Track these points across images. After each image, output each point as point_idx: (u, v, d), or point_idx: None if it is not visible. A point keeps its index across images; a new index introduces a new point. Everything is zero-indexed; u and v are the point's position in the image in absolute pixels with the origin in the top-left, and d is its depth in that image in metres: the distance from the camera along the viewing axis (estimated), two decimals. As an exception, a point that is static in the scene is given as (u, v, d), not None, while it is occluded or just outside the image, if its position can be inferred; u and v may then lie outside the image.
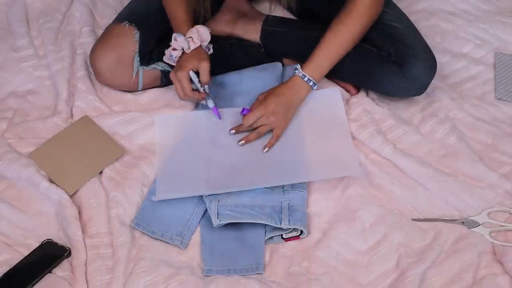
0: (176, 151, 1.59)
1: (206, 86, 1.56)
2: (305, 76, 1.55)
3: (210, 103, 1.59)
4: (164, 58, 1.59)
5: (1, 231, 1.46)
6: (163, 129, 1.63)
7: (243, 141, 1.57)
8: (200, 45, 1.55)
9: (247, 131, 1.58)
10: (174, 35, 1.54)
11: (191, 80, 1.55)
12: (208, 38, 1.56)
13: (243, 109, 1.58)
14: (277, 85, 1.60)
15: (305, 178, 1.51)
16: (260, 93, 1.60)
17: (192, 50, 1.54)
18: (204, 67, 1.52)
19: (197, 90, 1.56)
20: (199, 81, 1.55)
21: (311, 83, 1.56)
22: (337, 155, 1.55)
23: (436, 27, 1.89)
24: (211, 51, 1.60)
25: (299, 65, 1.57)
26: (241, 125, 1.58)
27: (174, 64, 1.58)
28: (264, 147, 1.56)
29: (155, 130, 1.63)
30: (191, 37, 1.53)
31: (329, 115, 1.64)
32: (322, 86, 1.71)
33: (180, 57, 1.56)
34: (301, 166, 1.53)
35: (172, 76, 1.54)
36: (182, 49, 1.55)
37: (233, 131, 1.58)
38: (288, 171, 1.52)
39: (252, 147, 1.57)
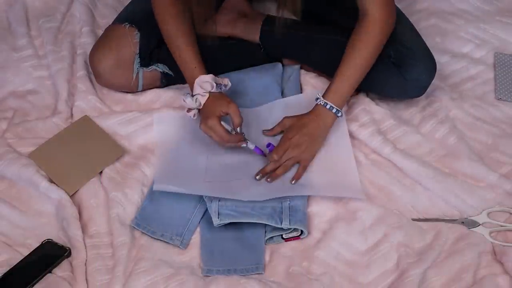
0: (176, 149, 1.59)
1: (239, 128, 1.51)
2: (327, 104, 1.52)
3: (251, 145, 1.53)
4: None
5: (1, 231, 1.46)
6: (162, 127, 1.63)
7: (272, 177, 1.51)
8: (214, 92, 1.51)
9: (272, 170, 1.52)
10: (181, 97, 1.52)
11: None
12: (213, 85, 1.50)
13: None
14: (301, 115, 1.55)
15: (306, 192, 1.50)
16: (284, 115, 1.58)
17: (208, 99, 1.50)
18: (233, 109, 1.49)
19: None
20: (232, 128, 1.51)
21: (334, 110, 1.52)
22: (340, 172, 1.54)
23: (436, 27, 1.89)
24: (229, 85, 1.55)
25: (320, 94, 1.54)
26: (265, 167, 1.52)
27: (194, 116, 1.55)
28: (292, 179, 1.51)
29: (154, 127, 1.63)
30: (198, 94, 1.51)
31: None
32: (323, 87, 1.70)
33: (199, 111, 1.53)
34: (304, 182, 1.52)
35: (203, 128, 1.49)
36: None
37: (259, 176, 1.51)
38: (291, 185, 1.50)
39: (251, 151, 1.56)
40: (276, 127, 1.58)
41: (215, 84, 1.51)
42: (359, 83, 1.56)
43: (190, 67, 1.54)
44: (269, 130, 1.60)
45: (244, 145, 1.53)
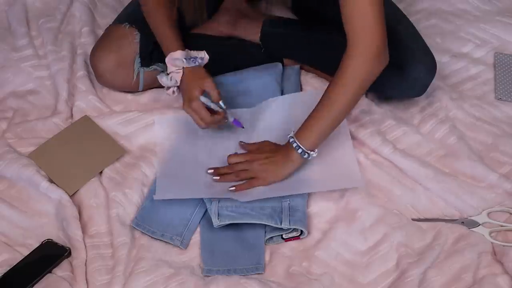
0: (177, 153, 1.59)
1: (221, 103, 1.51)
2: (298, 148, 1.44)
3: (230, 118, 1.53)
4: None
5: (1, 231, 1.46)
6: (163, 130, 1.63)
7: (218, 178, 1.49)
8: (188, 66, 1.51)
9: (226, 173, 1.50)
10: (157, 77, 1.56)
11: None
12: (183, 61, 1.50)
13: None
14: (280, 146, 1.51)
15: (307, 190, 1.50)
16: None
17: (185, 76, 1.51)
18: (209, 85, 1.50)
19: (211, 110, 1.51)
20: (212, 101, 1.51)
21: (300, 151, 1.44)
22: (339, 166, 1.54)
23: (436, 27, 1.89)
24: (206, 57, 1.54)
25: (293, 133, 1.46)
26: (220, 167, 1.51)
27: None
28: (231, 187, 1.47)
29: (155, 131, 1.63)
30: (172, 71, 1.52)
31: None
32: (323, 87, 1.69)
33: (178, 87, 1.55)
34: (304, 177, 1.52)
35: (186, 110, 1.50)
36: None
37: (211, 171, 1.51)
38: (291, 182, 1.51)
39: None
40: (245, 153, 1.54)
41: (184, 60, 1.51)
42: (340, 123, 1.47)
43: (166, 44, 1.55)
44: (247, 143, 1.56)
45: (227, 121, 1.54)
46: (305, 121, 1.45)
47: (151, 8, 1.57)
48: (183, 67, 1.52)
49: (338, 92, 1.42)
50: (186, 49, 1.54)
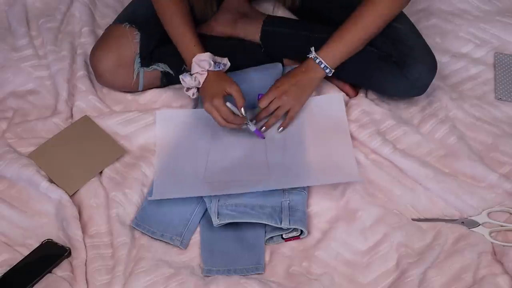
0: (176, 148, 1.59)
1: (242, 110, 1.53)
2: (317, 58, 1.56)
3: (252, 127, 1.57)
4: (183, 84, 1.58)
5: (1, 231, 1.46)
6: (164, 124, 1.63)
7: (265, 128, 1.59)
8: (212, 70, 1.54)
9: (264, 117, 1.60)
10: (180, 77, 1.55)
11: None
12: (211, 63, 1.53)
13: (259, 95, 1.59)
14: (291, 69, 1.62)
15: (305, 183, 1.51)
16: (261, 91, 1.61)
17: (208, 78, 1.53)
18: (236, 89, 1.52)
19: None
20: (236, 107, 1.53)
21: (322, 66, 1.57)
22: (337, 160, 1.55)
23: (436, 27, 1.89)
24: (228, 65, 1.58)
25: (314, 52, 1.57)
26: (258, 113, 1.60)
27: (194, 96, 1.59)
28: (279, 128, 1.59)
29: (156, 124, 1.64)
30: (196, 72, 1.53)
31: (331, 120, 1.64)
32: (324, 89, 1.71)
33: (198, 89, 1.56)
34: (302, 170, 1.53)
35: (207, 107, 1.51)
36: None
37: (254, 122, 1.58)
38: (289, 175, 1.52)
39: (252, 146, 1.57)
40: (270, 90, 1.60)
41: (213, 63, 1.54)
42: (356, 51, 1.58)
43: (189, 46, 1.56)
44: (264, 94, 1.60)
45: (245, 126, 1.56)
46: (327, 42, 1.57)
47: (165, 5, 1.57)
48: (208, 70, 1.53)
49: (360, 22, 1.54)
50: (210, 53, 1.55)
